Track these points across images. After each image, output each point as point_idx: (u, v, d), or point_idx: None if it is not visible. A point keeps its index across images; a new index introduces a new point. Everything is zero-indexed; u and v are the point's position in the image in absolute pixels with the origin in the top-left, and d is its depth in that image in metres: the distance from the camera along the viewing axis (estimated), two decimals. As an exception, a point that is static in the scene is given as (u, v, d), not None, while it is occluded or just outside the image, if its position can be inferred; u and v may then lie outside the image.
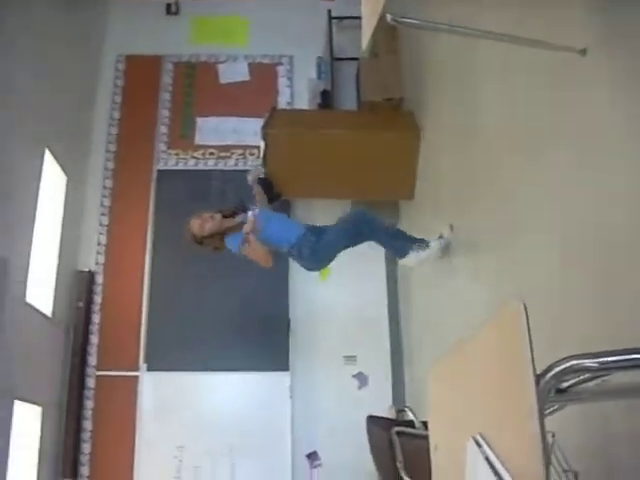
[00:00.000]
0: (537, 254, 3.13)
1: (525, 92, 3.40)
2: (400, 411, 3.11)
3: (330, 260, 4.53)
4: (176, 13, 7.51)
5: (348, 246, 4.50)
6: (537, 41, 2.92)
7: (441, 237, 4.41)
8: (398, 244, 4.57)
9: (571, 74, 2.82)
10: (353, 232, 4.46)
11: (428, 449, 1.67)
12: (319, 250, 4.42)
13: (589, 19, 2.65)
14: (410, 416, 2.85)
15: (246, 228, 4.28)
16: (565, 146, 2.89)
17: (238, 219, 4.39)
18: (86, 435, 6.12)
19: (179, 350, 6.28)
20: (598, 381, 1.47)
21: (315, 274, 5.45)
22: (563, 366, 1.16)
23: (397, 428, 2.54)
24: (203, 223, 4.36)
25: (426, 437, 1.79)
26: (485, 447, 1.21)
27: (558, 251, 2.90)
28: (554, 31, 2.96)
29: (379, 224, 4.62)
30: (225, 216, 4.42)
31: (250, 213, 4.35)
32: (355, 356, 6.51)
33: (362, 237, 4.53)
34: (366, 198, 6.35)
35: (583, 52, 2.68)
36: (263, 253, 4.35)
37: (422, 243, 4.49)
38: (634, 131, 2.32)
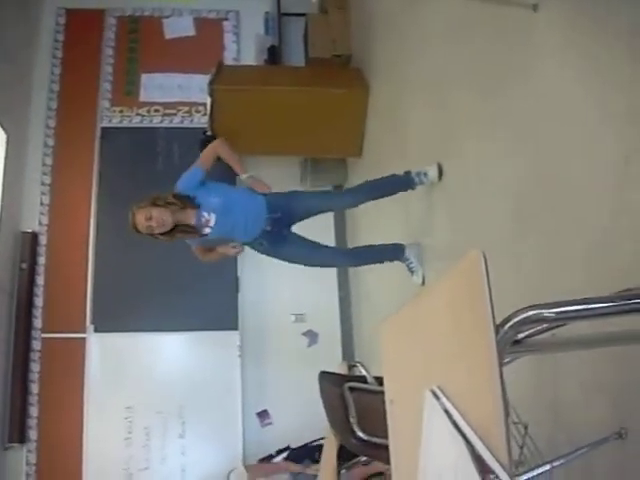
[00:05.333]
0: (494, 205, 3.14)
1: (476, 48, 3.38)
2: (352, 367, 3.11)
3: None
4: (118, -35, 7.27)
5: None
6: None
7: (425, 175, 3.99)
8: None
9: (523, 30, 2.80)
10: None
11: (382, 404, 1.67)
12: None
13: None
14: (362, 371, 2.85)
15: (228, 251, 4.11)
16: (517, 104, 2.89)
17: (190, 219, 3.88)
18: (33, 398, 6.03)
19: (126, 311, 6.22)
20: (550, 333, 1.47)
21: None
22: (522, 316, 1.16)
23: (349, 384, 2.54)
24: (151, 225, 3.74)
25: (379, 392, 1.79)
26: (443, 399, 1.21)
27: (512, 204, 2.92)
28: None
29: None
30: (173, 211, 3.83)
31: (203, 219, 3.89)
32: (304, 314, 6.54)
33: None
34: (314, 155, 6.32)
35: (535, 7, 2.67)
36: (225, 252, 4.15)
37: (398, 248, 4.33)
38: (584, 87, 2.33)
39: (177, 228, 3.87)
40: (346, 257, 4.89)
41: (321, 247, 4.39)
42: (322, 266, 4.76)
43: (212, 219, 3.90)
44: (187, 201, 3.86)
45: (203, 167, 3.96)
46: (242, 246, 4.12)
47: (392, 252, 4.35)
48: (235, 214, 3.96)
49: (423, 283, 4.20)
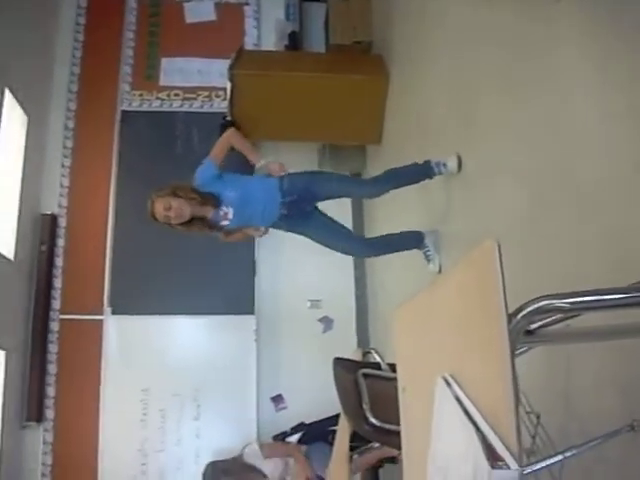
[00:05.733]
0: (512, 194, 3.13)
1: (497, 36, 3.36)
2: (366, 353, 3.13)
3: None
4: (141, -52, 7.27)
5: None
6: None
7: (444, 165, 3.96)
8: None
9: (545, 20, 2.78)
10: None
11: (395, 391, 1.68)
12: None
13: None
14: (376, 358, 2.86)
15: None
16: (537, 92, 2.87)
17: (208, 213, 3.89)
18: (51, 379, 6.10)
19: (143, 293, 6.26)
20: (564, 324, 1.47)
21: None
22: (535, 306, 1.16)
23: (363, 370, 2.55)
24: (169, 215, 3.75)
25: (393, 379, 1.80)
26: (455, 386, 1.22)
27: (529, 194, 2.91)
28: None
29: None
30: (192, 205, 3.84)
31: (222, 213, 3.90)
32: (320, 300, 6.55)
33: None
34: (333, 141, 6.31)
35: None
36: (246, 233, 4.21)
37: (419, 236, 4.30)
38: (603, 79, 2.31)
39: (194, 221, 3.87)
40: (366, 247, 4.78)
41: (341, 234, 4.35)
42: (340, 252, 4.70)
43: (230, 212, 3.91)
44: (208, 198, 3.84)
45: (216, 160, 3.94)
46: (266, 228, 4.14)
47: (412, 241, 4.32)
48: (252, 204, 3.95)
49: (440, 271, 4.19)
